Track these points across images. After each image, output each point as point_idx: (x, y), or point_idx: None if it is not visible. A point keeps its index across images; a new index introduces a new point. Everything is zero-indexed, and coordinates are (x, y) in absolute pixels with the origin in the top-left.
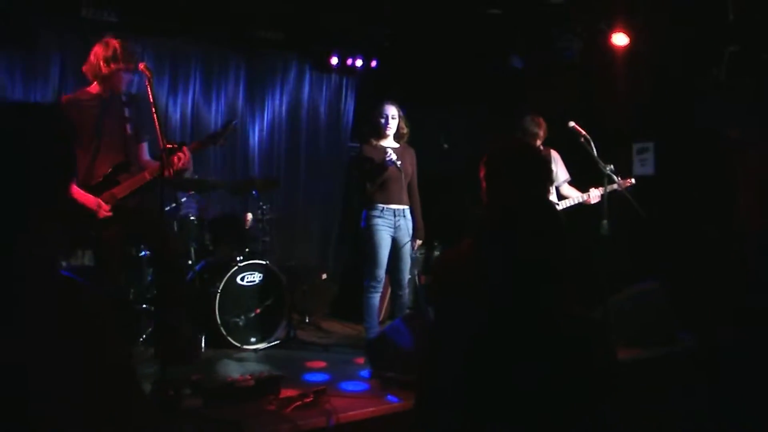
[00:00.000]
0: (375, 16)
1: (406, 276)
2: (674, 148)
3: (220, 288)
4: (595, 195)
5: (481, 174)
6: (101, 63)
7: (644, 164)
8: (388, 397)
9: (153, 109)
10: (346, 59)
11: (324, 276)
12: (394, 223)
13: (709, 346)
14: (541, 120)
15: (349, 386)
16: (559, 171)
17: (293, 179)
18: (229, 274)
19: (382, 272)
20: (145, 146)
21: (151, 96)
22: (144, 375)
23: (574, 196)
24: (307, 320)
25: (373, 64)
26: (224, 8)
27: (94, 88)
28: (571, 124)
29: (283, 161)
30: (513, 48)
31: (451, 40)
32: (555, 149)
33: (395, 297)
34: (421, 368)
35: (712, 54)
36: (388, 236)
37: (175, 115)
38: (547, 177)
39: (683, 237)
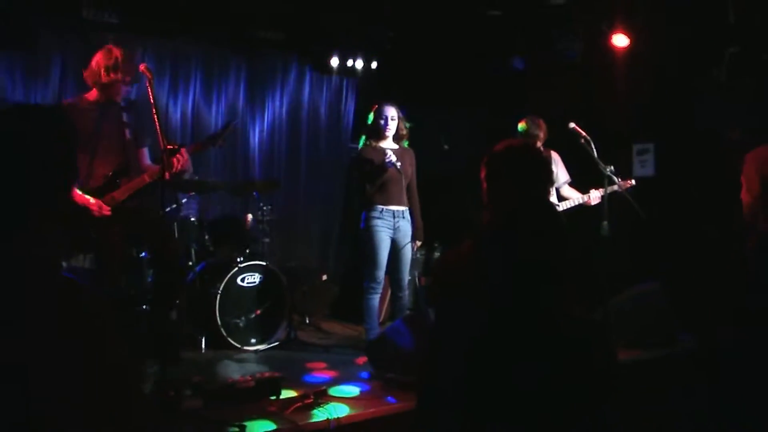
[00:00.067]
0: (375, 16)
1: (406, 277)
2: (674, 149)
3: (221, 289)
4: (595, 196)
5: (482, 175)
6: (101, 71)
7: (644, 165)
8: (389, 398)
9: (153, 110)
10: (347, 60)
11: (324, 277)
12: (393, 225)
13: (709, 346)
14: (542, 121)
15: (350, 387)
16: (560, 172)
17: (294, 180)
18: (229, 275)
19: (381, 273)
20: (145, 151)
21: (151, 97)
22: (144, 375)
23: (574, 197)
24: (307, 321)
25: (374, 65)
26: (225, 9)
27: (93, 94)
28: (572, 125)
29: (284, 162)
30: (514, 49)
31: (451, 41)
32: (555, 150)
33: (395, 298)
34: (421, 369)
35: (713, 55)
36: (388, 237)
37: (176, 116)
38: (547, 178)
39: (683, 238)
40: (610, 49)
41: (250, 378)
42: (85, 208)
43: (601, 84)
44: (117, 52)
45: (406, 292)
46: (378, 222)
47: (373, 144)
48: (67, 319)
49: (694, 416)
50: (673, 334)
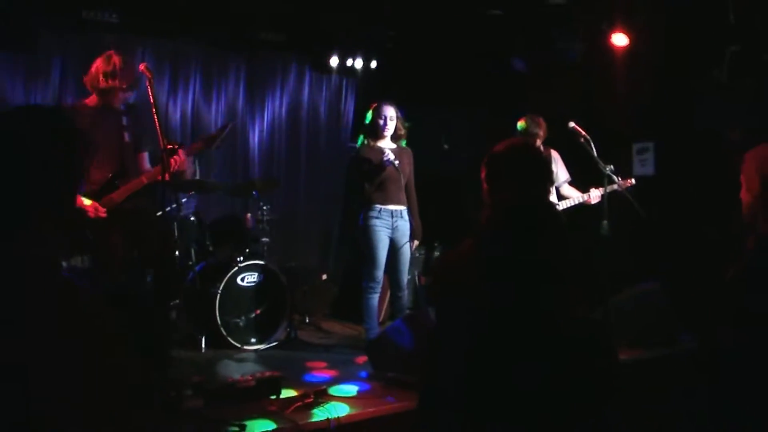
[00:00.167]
0: (375, 16)
1: (405, 277)
2: (674, 148)
3: (221, 289)
4: (595, 195)
5: (482, 175)
6: (100, 77)
7: (644, 164)
8: (389, 397)
9: (153, 110)
10: (346, 60)
11: (324, 276)
12: (391, 224)
13: (710, 346)
14: (541, 120)
15: (350, 387)
16: (560, 171)
17: (293, 180)
18: (229, 274)
19: (380, 273)
20: (145, 156)
21: (151, 97)
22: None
23: (574, 197)
24: (307, 321)
25: (374, 64)
26: (224, 9)
27: (92, 99)
28: (572, 124)
29: (284, 162)
30: (514, 49)
31: (451, 41)
32: (555, 149)
33: (395, 298)
34: (422, 369)
35: (713, 55)
36: (386, 237)
37: (176, 116)
38: (547, 177)
39: (683, 237)
40: (610, 49)
41: (250, 377)
42: (80, 210)
43: (601, 83)
44: (116, 59)
45: (406, 292)
46: (376, 221)
47: (371, 143)
48: (67, 319)
49: (695, 416)
50: (674, 333)
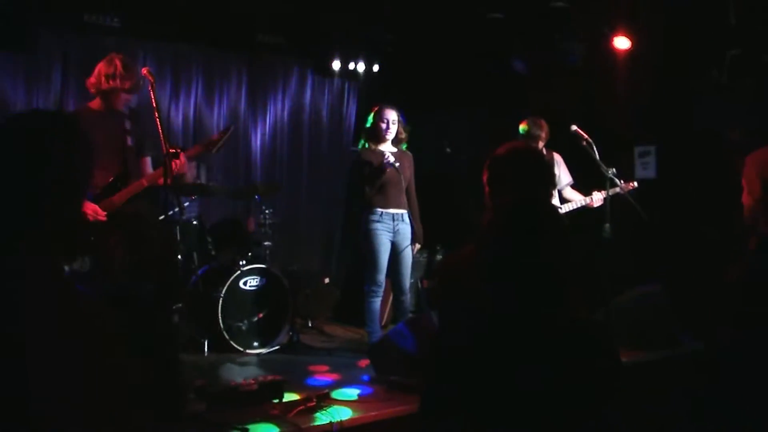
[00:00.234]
0: (377, 19)
1: (407, 280)
2: (676, 151)
3: (223, 292)
4: (597, 198)
5: (484, 178)
6: (102, 78)
7: (646, 167)
8: (391, 401)
9: (156, 114)
10: (348, 63)
11: (326, 280)
12: (393, 228)
13: (711, 348)
14: (543, 122)
15: (352, 390)
16: (562, 174)
17: (296, 183)
18: (231, 278)
19: (382, 277)
20: (148, 160)
21: (153, 101)
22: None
23: (576, 200)
24: (309, 324)
25: (375, 67)
26: (226, 13)
27: (95, 103)
28: (574, 127)
29: (286, 165)
30: (515, 52)
31: (452, 44)
32: (557, 152)
33: (397, 302)
34: (424, 372)
35: (713, 56)
36: (388, 240)
37: (178, 120)
38: (549, 180)
39: (685, 240)
40: (612, 52)
41: (252, 381)
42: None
43: (602, 86)
44: (118, 60)
45: (408, 296)
46: (377, 225)
47: (372, 146)
48: (67, 320)
49: (695, 417)
50: (674, 335)
